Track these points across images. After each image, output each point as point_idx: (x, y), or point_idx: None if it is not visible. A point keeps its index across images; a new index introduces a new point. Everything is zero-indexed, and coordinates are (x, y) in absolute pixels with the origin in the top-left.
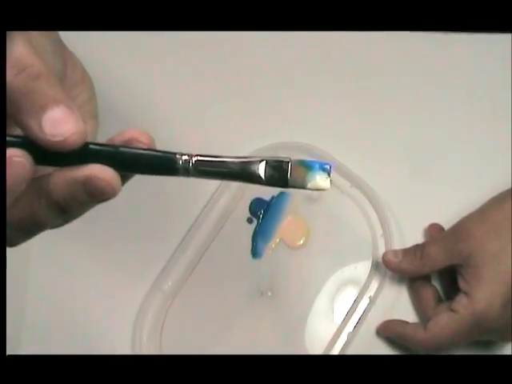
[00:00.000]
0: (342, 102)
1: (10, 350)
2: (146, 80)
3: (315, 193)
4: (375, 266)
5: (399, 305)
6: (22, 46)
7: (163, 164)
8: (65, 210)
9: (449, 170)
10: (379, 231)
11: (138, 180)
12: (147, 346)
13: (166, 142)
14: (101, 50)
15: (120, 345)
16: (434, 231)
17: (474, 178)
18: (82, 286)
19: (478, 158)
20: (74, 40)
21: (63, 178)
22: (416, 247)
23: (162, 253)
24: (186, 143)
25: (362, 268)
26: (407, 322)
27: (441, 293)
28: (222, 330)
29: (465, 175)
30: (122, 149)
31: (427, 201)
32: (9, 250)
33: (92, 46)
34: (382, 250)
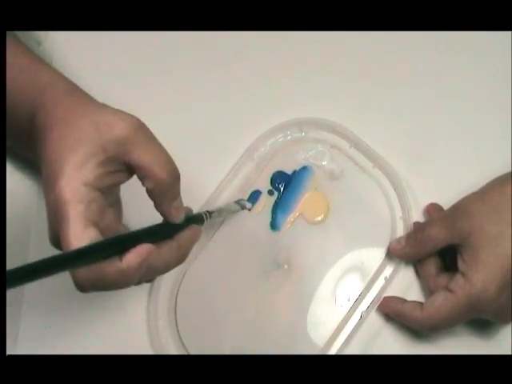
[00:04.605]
0: (369, 82)
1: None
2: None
3: (337, 170)
4: None
5: (414, 287)
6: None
7: (199, 219)
8: None
9: (467, 156)
10: (399, 213)
11: None
12: (162, 314)
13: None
14: (100, 49)
15: (135, 318)
16: (433, 211)
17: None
18: None
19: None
20: (81, 40)
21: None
22: (416, 229)
23: None
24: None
25: (380, 248)
26: (405, 300)
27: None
28: (238, 299)
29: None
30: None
31: (449, 185)
32: (8, 250)
33: (90, 46)
34: (400, 231)
